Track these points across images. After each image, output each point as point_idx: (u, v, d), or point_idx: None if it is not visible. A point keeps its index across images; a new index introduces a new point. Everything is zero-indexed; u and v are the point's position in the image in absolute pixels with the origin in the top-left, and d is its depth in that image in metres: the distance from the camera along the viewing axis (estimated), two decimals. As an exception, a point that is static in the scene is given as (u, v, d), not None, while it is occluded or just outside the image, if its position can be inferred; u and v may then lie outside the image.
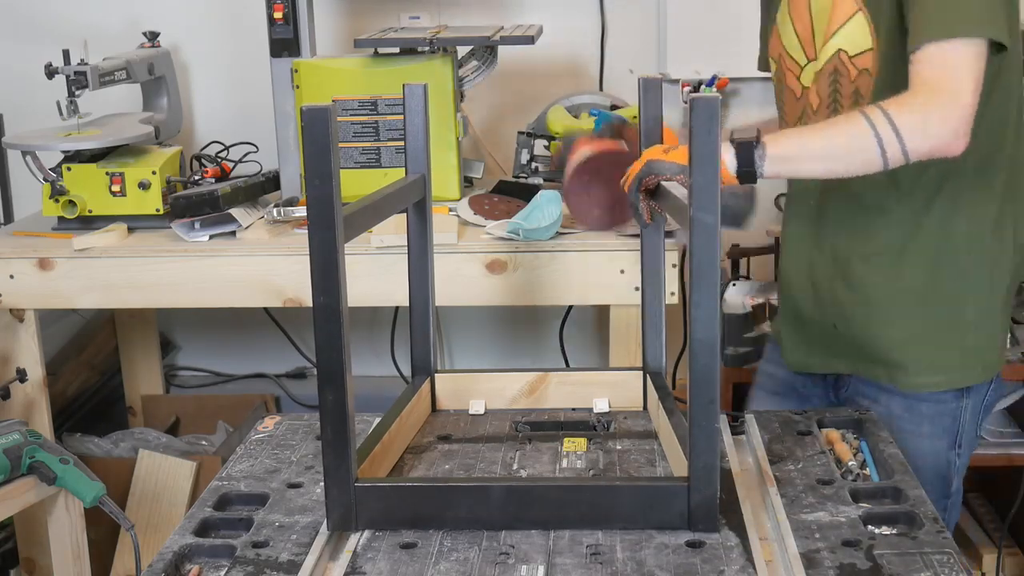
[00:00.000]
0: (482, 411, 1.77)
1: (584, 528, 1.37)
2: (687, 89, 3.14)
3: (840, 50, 1.78)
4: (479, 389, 1.80)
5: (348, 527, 1.39)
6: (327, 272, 1.32)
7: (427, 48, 2.74)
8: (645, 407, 1.77)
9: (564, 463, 1.57)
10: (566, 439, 1.65)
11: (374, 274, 2.57)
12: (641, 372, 1.77)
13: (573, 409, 1.77)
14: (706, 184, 1.28)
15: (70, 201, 2.68)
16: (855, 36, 1.76)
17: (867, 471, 1.55)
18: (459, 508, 1.38)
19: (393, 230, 2.45)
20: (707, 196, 1.28)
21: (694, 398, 1.32)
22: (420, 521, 1.39)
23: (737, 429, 1.69)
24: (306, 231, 2.66)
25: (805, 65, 1.86)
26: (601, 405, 1.76)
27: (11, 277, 2.62)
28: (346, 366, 1.34)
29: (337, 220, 1.31)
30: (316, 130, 1.30)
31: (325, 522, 1.40)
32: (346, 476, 1.37)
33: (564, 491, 1.40)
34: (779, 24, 1.91)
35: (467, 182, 2.90)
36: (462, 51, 2.88)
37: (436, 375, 1.79)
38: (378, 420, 1.71)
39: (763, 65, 2.04)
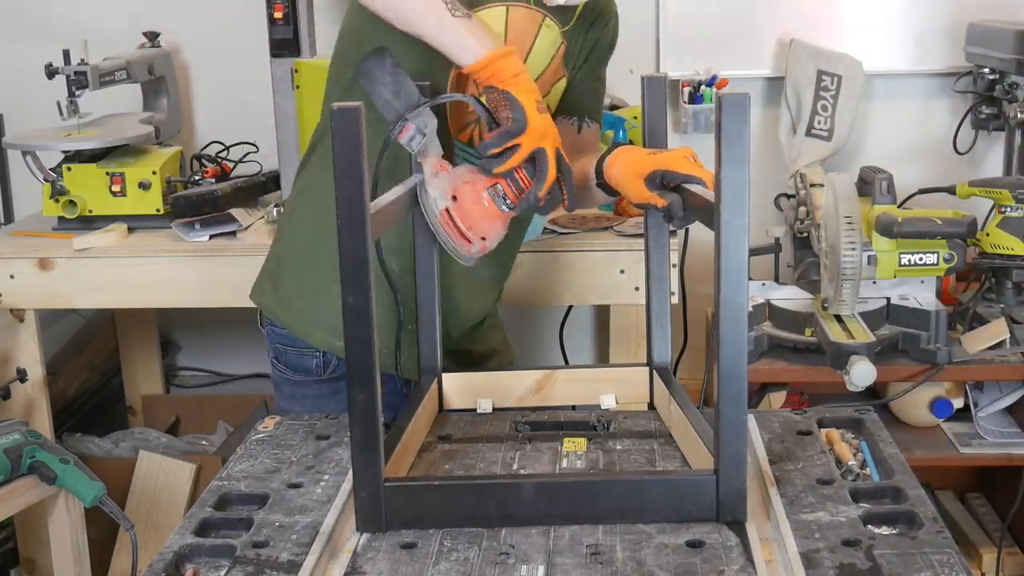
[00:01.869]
0: (490, 410, 1.77)
1: (615, 522, 1.37)
2: (687, 89, 3.14)
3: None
4: (486, 388, 1.80)
5: (378, 527, 1.38)
6: (357, 272, 1.32)
7: (427, 48, 2.74)
8: (651, 402, 1.78)
9: (564, 463, 1.57)
10: (566, 439, 1.65)
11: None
12: (647, 368, 1.77)
13: (574, 408, 1.77)
14: (736, 183, 1.28)
15: (70, 201, 2.68)
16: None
17: (867, 471, 1.55)
18: (489, 505, 1.38)
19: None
20: (736, 196, 1.28)
21: (723, 390, 1.33)
22: (450, 519, 1.39)
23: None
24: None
25: None
26: (608, 401, 1.76)
27: (11, 277, 2.62)
28: (376, 366, 1.34)
29: (367, 220, 1.31)
30: (347, 129, 1.29)
31: (325, 521, 1.40)
32: (376, 476, 1.37)
33: (596, 486, 1.40)
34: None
35: (467, 182, 2.90)
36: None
37: (443, 375, 1.79)
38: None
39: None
